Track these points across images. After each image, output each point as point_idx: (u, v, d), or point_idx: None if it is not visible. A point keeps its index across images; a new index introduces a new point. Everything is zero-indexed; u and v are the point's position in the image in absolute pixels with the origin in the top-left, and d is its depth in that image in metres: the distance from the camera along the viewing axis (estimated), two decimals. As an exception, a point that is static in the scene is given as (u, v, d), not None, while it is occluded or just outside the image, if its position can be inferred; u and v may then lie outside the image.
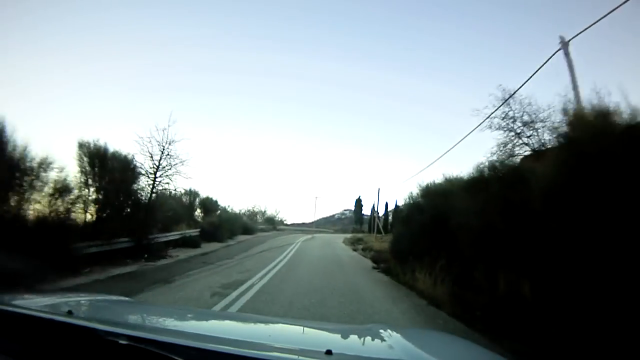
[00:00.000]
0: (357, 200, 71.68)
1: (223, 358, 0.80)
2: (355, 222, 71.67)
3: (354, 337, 1.31)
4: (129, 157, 9.83)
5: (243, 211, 31.90)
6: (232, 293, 5.63)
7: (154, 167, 10.31)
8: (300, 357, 0.91)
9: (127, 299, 1.85)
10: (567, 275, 3.43)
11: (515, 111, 7.28)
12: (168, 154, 10.45)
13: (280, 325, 1.47)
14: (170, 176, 10.54)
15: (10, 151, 6.66)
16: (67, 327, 0.91)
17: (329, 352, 0.86)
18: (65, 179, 7.52)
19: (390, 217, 39.95)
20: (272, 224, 36.64)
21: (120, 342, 0.82)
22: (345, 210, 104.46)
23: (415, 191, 9.91)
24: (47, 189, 7.09)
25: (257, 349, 0.88)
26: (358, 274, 9.19)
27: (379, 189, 30.32)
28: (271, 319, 2.38)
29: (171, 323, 1.33)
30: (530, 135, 7.09)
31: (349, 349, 1.17)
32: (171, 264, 9.06)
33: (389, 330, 1.24)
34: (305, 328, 1.52)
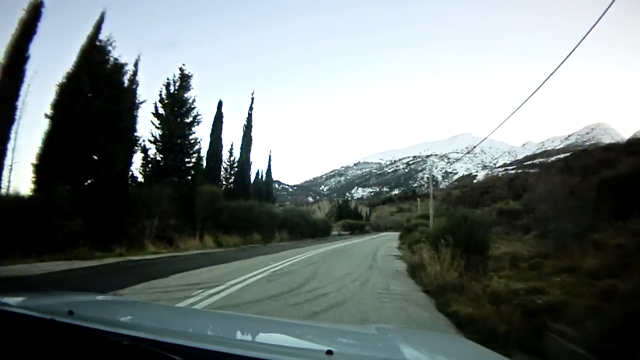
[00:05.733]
0: (218, 105, 19.38)
1: (224, 358, 0.80)
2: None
3: (355, 337, 1.30)
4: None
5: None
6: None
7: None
8: (301, 357, 0.91)
9: (128, 299, 1.85)
10: None
11: None
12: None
13: (281, 325, 1.47)
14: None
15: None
16: (69, 328, 0.91)
17: (329, 352, 0.86)
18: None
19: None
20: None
21: (122, 342, 0.82)
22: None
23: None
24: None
25: (257, 349, 0.88)
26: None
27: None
28: (272, 319, 2.38)
29: (172, 323, 1.33)
30: None
31: (349, 349, 1.17)
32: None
33: (390, 331, 1.23)
34: (305, 328, 1.51)
